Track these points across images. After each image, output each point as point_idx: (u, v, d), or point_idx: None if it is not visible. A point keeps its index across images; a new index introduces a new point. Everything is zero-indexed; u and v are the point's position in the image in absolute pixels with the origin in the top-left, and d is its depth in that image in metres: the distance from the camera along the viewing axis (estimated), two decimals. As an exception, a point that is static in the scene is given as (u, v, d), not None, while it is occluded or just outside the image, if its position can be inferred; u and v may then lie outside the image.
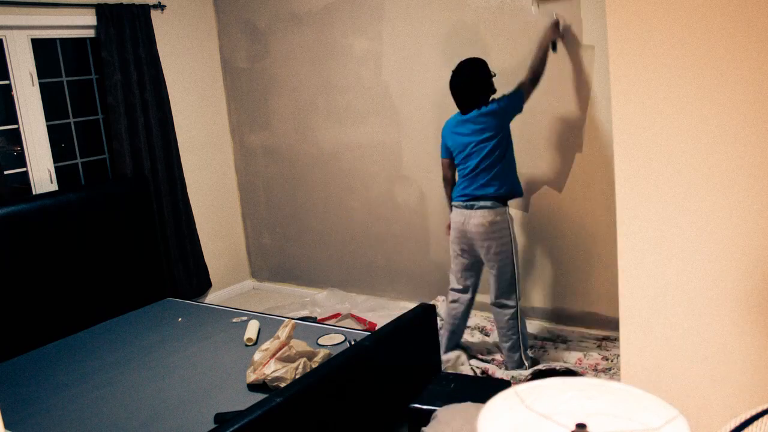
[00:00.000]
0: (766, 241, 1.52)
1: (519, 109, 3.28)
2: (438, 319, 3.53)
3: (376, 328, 4.12)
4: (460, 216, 3.31)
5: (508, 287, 3.30)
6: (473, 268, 3.42)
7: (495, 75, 3.30)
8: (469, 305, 3.49)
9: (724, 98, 1.52)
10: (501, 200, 3.25)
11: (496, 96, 3.28)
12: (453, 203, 3.38)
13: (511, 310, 3.31)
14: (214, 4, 4.89)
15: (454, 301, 3.50)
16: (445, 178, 3.52)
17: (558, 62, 3.55)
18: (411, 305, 3.74)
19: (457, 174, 3.40)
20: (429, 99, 4.07)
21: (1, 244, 3.45)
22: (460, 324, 3.53)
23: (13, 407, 2.83)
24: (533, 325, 3.87)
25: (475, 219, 3.24)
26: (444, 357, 3.45)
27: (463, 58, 3.35)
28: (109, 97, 4.18)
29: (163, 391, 2.90)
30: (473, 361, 3.48)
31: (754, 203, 1.52)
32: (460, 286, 3.46)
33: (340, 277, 4.79)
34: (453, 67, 3.32)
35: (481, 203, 3.23)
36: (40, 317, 3.59)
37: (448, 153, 3.43)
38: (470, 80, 3.25)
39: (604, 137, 3.51)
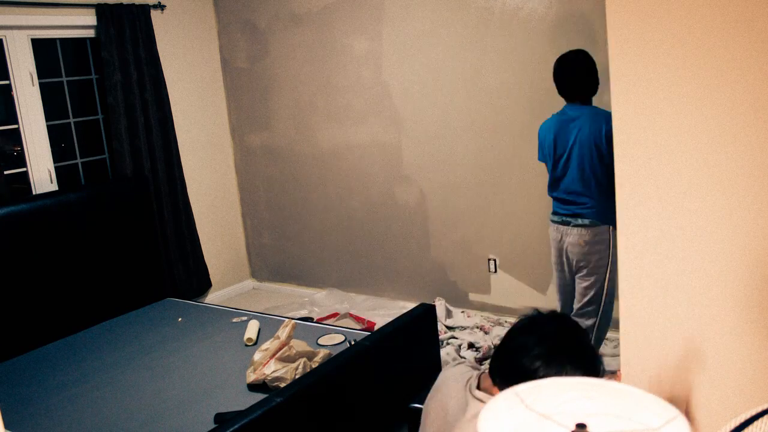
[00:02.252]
0: (766, 241, 1.52)
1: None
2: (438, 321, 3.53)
3: (375, 327, 4.13)
4: None
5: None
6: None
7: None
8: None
9: (724, 98, 1.52)
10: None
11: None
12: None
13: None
14: (214, 4, 4.89)
15: None
16: None
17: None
18: (411, 305, 3.74)
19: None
20: (429, 99, 4.07)
21: (1, 244, 3.45)
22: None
23: (13, 407, 2.83)
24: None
25: None
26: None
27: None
28: (109, 97, 4.18)
29: (163, 391, 2.90)
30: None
31: (754, 203, 1.52)
32: None
33: (340, 277, 4.79)
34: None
35: None
36: (40, 317, 3.59)
37: None
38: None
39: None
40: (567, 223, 3.06)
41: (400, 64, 4.14)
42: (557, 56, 3.56)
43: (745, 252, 1.55)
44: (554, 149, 3.06)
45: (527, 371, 1.52)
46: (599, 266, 3.01)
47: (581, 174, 2.98)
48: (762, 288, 1.54)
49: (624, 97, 1.65)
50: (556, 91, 3.21)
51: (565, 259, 3.12)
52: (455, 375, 1.74)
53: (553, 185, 3.12)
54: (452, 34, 3.88)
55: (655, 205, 1.65)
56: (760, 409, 0.99)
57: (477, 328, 3.91)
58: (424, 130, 4.14)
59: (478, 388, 1.65)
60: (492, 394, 1.60)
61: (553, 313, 1.64)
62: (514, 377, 1.54)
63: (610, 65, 1.65)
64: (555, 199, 3.13)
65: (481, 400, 1.58)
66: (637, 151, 1.67)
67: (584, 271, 3.04)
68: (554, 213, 3.14)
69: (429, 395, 1.79)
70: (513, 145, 3.81)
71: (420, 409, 2.50)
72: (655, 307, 1.70)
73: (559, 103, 3.34)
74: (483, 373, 1.69)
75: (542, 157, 3.19)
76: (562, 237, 3.08)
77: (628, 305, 1.75)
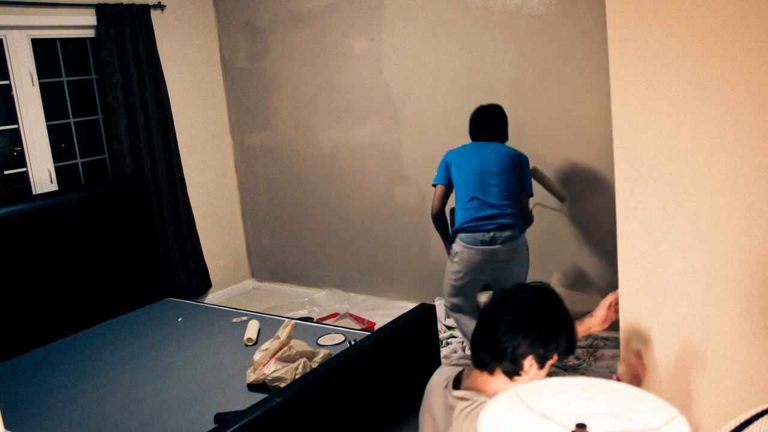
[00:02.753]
0: (766, 241, 1.52)
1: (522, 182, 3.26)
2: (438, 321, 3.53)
3: (375, 327, 4.13)
4: None
5: None
6: None
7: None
8: None
9: (724, 98, 1.52)
10: None
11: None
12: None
13: None
14: (214, 4, 4.89)
15: None
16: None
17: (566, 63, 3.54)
18: (410, 305, 3.74)
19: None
20: (429, 99, 4.07)
21: (1, 244, 3.45)
22: None
23: (13, 407, 2.83)
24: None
25: None
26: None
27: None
28: (109, 97, 4.18)
29: (163, 391, 2.90)
30: None
31: (754, 203, 1.52)
32: None
33: (340, 277, 4.79)
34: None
35: None
36: (40, 317, 3.59)
37: None
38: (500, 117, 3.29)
39: (603, 137, 3.51)
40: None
41: (400, 64, 4.14)
42: (557, 56, 3.57)
43: (745, 252, 1.55)
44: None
45: (497, 346, 1.52)
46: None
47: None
48: (762, 288, 1.54)
49: (624, 97, 1.65)
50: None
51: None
52: (438, 379, 1.73)
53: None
54: (452, 34, 3.88)
55: (655, 205, 1.65)
56: (760, 408, 0.99)
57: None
58: (424, 130, 4.14)
59: (458, 387, 1.64)
60: (477, 386, 1.59)
61: (523, 285, 1.62)
62: (490, 355, 1.54)
63: (610, 65, 1.65)
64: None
65: (463, 398, 1.57)
66: (637, 151, 1.67)
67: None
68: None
69: (421, 405, 1.78)
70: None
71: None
72: (655, 307, 1.70)
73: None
74: (465, 368, 1.68)
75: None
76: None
77: (628, 305, 1.75)
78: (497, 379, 1.56)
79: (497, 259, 3.13)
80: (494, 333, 1.54)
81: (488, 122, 3.26)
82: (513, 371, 1.53)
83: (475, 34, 3.79)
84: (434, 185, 3.32)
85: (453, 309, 3.36)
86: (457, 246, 3.19)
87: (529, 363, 1.53)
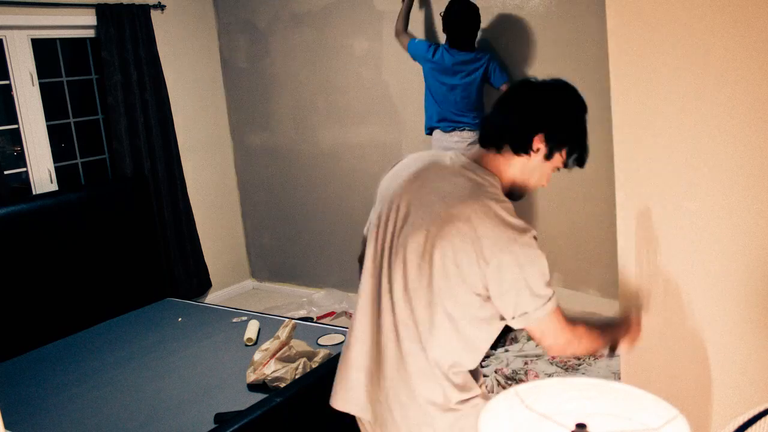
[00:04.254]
0: (766, 241, 1.52)
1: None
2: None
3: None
4: None
5: None
6: None
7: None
8: None
9: (724, 98, 1.52)
10: None
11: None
12: None
13: None
14: (214, 4, 4.89)
15: None
16: None
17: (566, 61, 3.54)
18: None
19: None
20: (429, 99, 4.07)
21: (1, 244, 3.45)
22: None
23: (13, 407, 2.83)
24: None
25: None
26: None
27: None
28: (109, 97, 4.18)
29: (163, 391, 2.90)
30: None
31: (754, 203, 1.52)
32: None
33: (340, 277, 4.79)
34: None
35: None
36: (40, 317, 3.58)
37: None
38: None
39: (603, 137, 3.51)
40: None
41: (400, 64, 4.14)
42: (557, 56, 3.57)
43: (745, 252, 1.55)
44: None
45: (510, 117, 1.49)
46: None
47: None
48: (762, 288, 1.54)
49: (624, 97, 1.65)
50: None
51: None
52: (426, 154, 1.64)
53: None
54: (452, 34, 3.88)
55: (655, 205, 1.65)
56: (761, 409, 0.99)
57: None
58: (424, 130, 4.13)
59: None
60: (484, 165, 1.52)
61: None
62: (500, 130, 1.50)
63: (610, 65, 1.65)
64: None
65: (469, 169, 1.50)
66: (637, 151, 1.67)
67: None
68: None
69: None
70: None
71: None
72: (655, 307, 1.70)
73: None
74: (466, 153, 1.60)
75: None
76: None
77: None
78: (504, 157, 1.50)
79: None
80: (508, 107, 1.51)
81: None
82: (521, 147, 1.47)
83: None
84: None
85: None
86: None
87: (538, 142, 1.47)
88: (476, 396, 1.50)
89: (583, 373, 3.27)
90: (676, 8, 1.53)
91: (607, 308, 3.65)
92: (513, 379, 3.30)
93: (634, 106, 1.63)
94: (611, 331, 1.58)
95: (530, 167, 1.51)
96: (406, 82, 4.15)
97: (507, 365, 3.41)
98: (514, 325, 1.43)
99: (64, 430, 2.64)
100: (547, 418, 0.99)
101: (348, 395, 1.64)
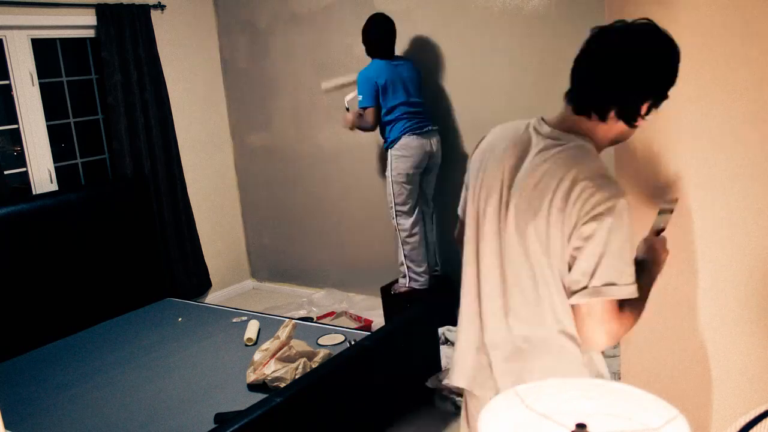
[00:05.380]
0: (766, 241, 1.52)
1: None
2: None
3: (372, 324, 4.14)
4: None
5: None
6: None
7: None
8: None
9: (724, 98, 1.52)
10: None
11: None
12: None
13: None
14: (214, 4, 4.89)
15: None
16: None
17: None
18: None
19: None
20: (429, 99, 4.07)
21: (1, 244, 3.45)
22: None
23: (13, 407, 2.84)
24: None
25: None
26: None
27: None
28: (109, 97, 4.18)
29: (163, 391, 2.90)
30: None
31: (754, 203, 1.52)
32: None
33: (340, 277, 4.79)
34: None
35: None
36: (40, 317, 3.59)
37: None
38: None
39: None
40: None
41: (400, 64, 4.14)
42: (558, 56, 3.56)
43: (745, 252, 1.55)
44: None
45: (598, 91, 1.41)
46: None
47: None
48: (762, 288, 1.54)
49: (624, 97, 1.64)
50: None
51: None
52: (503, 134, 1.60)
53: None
54: (452, 34, 3.88)
55: (656, 205, 1.65)
56: (762, 409, 0.99)
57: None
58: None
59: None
60: (578, 129, 1.44)
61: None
62: (603, 97, 1.41)
63: (610, 65, 1.65)
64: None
65: (552, 137, 1.45)
66: (637, 151, 1.67)
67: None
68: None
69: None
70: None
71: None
72: (655, 307, 1.70)
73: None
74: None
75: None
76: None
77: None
78: (605, 123, 1.42)
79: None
80: (611, 68, 1.40)
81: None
82: (632, 118, 1.38)
83: (475, 34, 3.79)
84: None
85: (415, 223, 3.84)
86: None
87: (645, 108, 1.38)
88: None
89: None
90: (675, 8, 1.53)
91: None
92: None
93: (634, 106, 1.63)
94: (648, 278, 1.46)
95: (624, 127, 1.43)
96: (406, 82, 4.14)
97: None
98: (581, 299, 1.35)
99: (64, 430, 2.64)
100: (547, 417, 0.99)
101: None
